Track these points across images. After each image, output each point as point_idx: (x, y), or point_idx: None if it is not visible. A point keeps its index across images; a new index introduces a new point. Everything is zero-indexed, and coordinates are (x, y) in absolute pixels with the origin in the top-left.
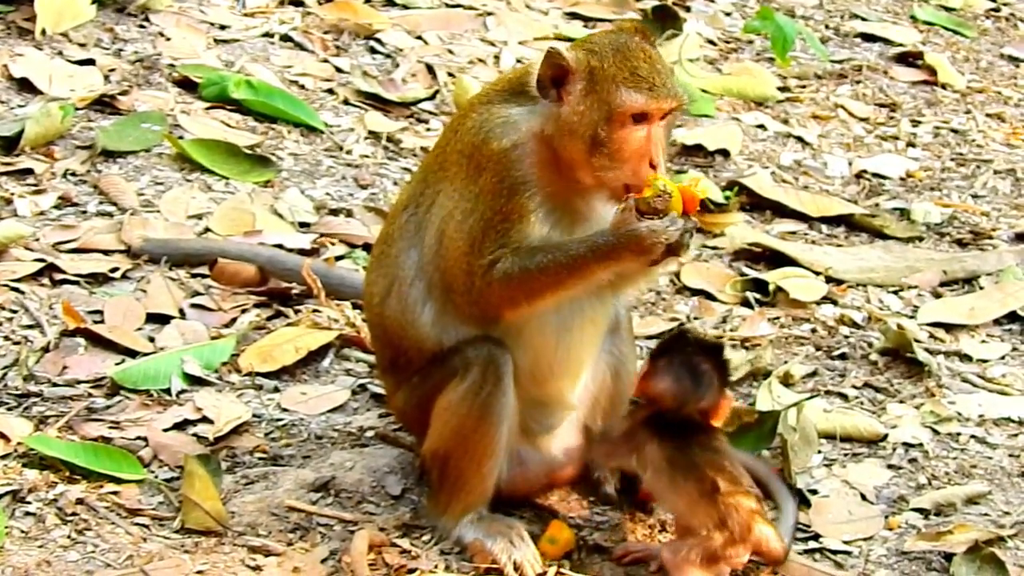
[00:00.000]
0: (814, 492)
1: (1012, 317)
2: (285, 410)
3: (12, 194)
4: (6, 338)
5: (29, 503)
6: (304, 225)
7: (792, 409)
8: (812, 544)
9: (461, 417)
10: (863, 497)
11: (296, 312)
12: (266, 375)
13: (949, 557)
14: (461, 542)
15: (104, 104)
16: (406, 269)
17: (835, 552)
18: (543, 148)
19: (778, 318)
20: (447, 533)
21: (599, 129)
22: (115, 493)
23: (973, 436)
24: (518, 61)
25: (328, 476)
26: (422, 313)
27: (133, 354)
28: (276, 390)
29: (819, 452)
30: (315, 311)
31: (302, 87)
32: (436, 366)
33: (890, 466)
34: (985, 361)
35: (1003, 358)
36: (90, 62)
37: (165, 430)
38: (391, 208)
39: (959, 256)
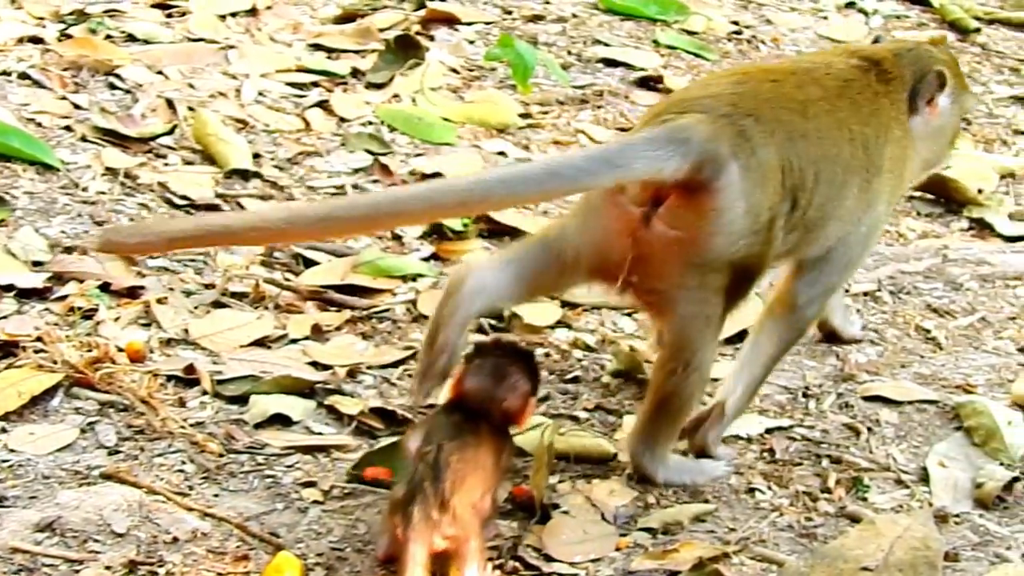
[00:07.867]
0: (556, 507)
1: (744, 335)
2: (12, 451)
3: None
4: None
5: None
6: (38, 264)
7: (542, 428)
8: (542, 566)
9: None
10: (602, 517)
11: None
12: None
13: (675, 575)
14: None
15: None
16: None
17: (562, 575)
18: None
19: None
20: None
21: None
22: None
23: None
24: (260, 94)
25: (54, 516)
26: None
27: None
28: (3, 431)
29: (552, 472)
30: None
31: (39, 125)
32: None
33: (620, 486)
34: (715, 380)
35: None
36: None
37: None
38: None
39: None
